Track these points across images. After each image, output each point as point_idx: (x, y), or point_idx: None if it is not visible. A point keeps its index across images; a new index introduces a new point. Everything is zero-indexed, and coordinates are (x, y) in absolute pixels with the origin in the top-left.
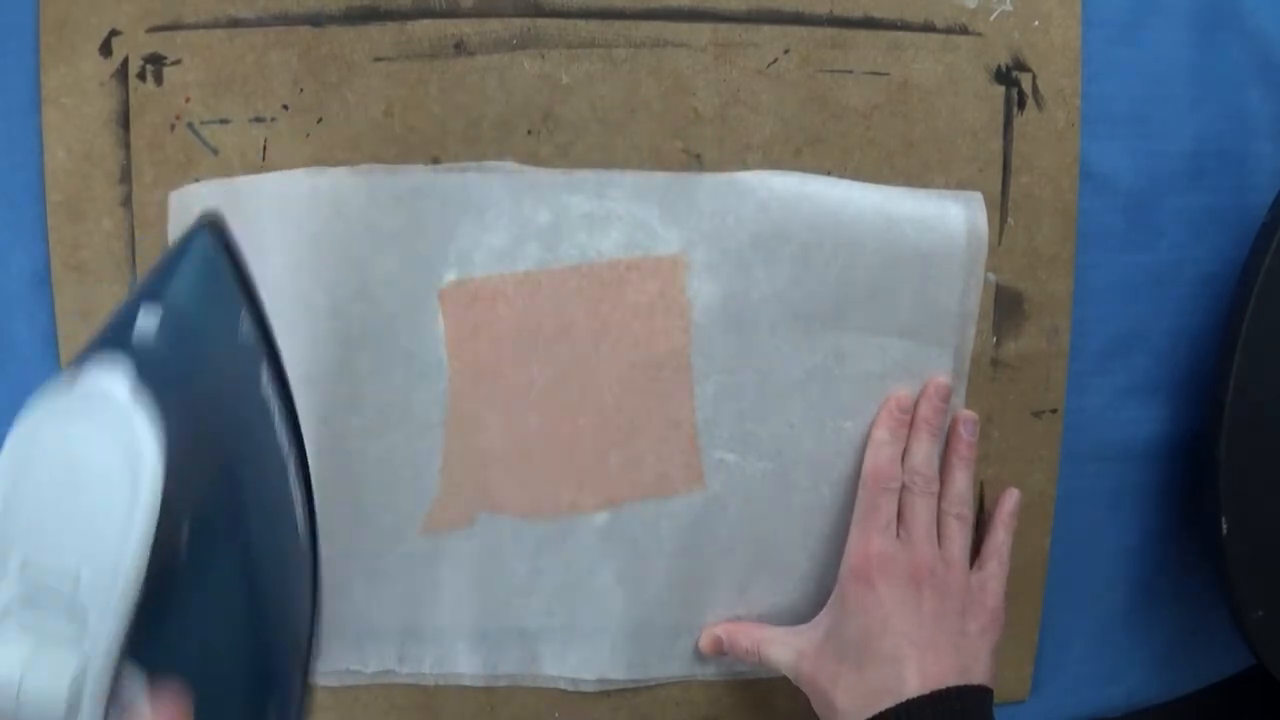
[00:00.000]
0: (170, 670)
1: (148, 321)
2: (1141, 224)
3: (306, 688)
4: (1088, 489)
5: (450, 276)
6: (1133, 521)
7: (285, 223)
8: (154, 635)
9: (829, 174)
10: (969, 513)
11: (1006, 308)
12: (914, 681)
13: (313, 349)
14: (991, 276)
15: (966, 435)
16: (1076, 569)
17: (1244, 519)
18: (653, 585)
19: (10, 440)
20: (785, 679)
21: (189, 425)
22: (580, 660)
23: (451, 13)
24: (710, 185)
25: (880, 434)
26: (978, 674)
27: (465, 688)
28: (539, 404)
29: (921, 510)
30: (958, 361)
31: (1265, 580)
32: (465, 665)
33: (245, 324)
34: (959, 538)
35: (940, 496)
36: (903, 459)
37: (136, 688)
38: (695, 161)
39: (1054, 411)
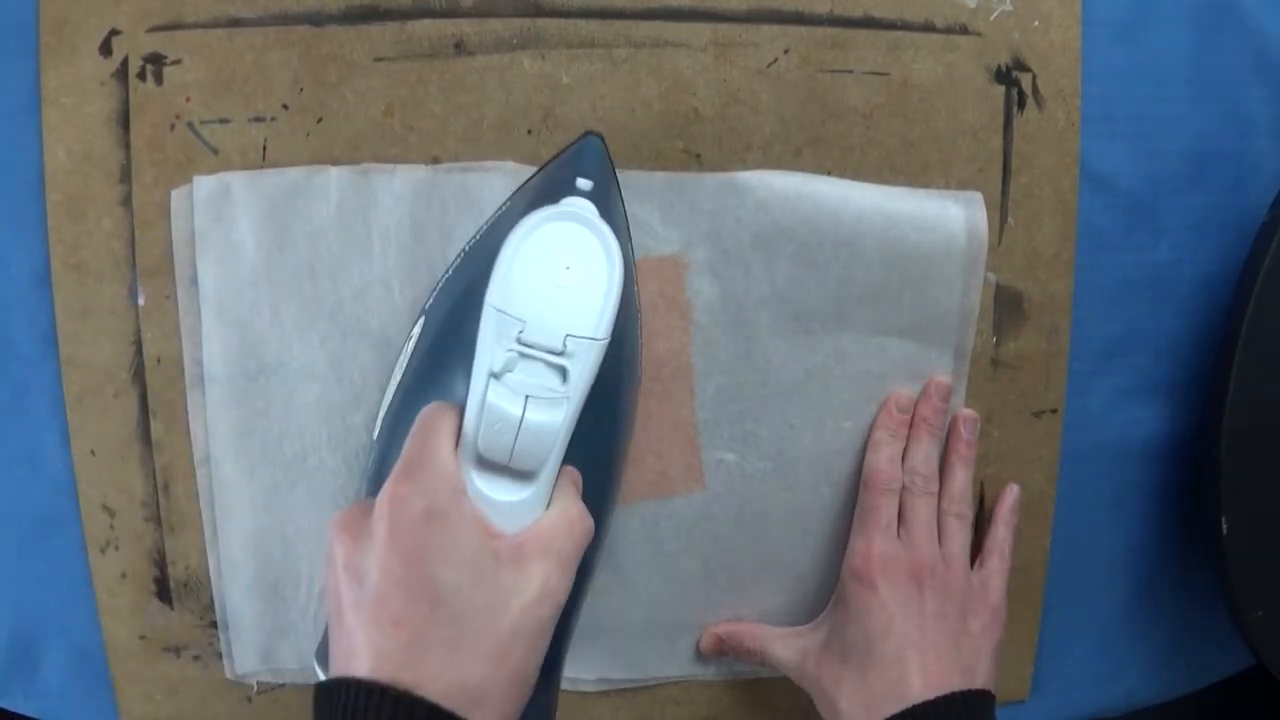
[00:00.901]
0: (578, 453)
1: (585, 184)
2: (1141, 224)
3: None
4: (1088, 489)
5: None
6: (1133, 521)
7: (285, 221)
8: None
9: (829, 174)
10: (969, 511)
11: (1006, 308)
12: (917, 684)
13: (313, 347)
14: (991, 276)
15: (966, 434)
16: (1076, 569)
17: (1244, 519)
18: (652, 585)
19: (512, 236)
20: (785, 679)
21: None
22: (580, 660)
23: (451, 13)
24: (710, 185)
25: (880, 435)
26: (980, 674)
27: None
28: None
29: (922, 510)
30: (958, 361)
31: (1265, 580)
32: None
33: (621, 204)
34: (959, 536)
35: (940, 495)
36: (903, 459)
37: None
38: (695, 161)
39: (1054, 411)
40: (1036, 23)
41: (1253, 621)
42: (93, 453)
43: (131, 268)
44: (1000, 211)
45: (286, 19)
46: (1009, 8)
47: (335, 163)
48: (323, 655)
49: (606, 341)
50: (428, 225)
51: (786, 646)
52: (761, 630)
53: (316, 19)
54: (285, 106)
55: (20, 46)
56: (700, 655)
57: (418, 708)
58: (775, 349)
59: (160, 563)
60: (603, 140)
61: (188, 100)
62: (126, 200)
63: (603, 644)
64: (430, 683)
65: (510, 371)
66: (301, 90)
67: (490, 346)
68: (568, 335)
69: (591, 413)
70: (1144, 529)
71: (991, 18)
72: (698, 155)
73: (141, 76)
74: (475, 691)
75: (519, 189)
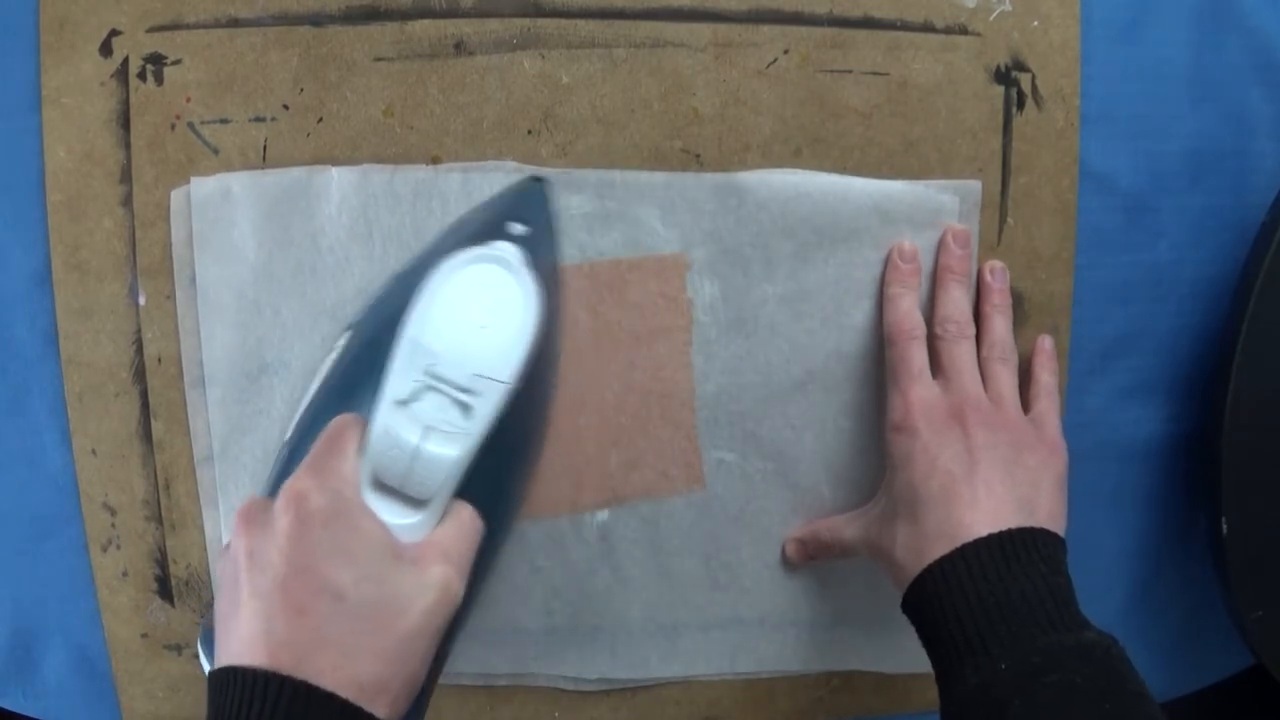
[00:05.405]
0: (471, 487)
1: (517, 229)
2: (1141, 224)
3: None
4: (1088, 489)
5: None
6: (1133, 521)
7: (286, 220)
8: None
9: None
10: (1012, 357)
11: None
12: (967, 519)
13: (314, 346)
14: None
15: (997, 284)
16: (1077, 568)
17: (1244, 519)
18: (653, 585)
19: (437, 271)
20: (785, 679)
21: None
22: (580, 660)
23: (451, 13)
24: (710, 185)
25: (892, 289)
26: (1042, 508)
27: (465, 687)
28: None
29: (961, 354)
30: None
31: (1265, 580)
32: (465, 665)
33: (554, 252)
34: (1006, 379)
35: (980, 344)
36: (933, 310)
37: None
38: (695, 161)
39: None
40: (1036, 23)
41: (1253, 621)
42: (94, 452)
43: (132, 267)
44: (1000, 211)
45: (286, 19)
46: (1008, 8)
47: (335, 163)
48: (208, 644)
49: (514, 386)
50: (429, 224)
51: (855, 526)
52: (834, 521)
53: (316, 19)
54: (285, 106)
55: (20, 46)
56: (788, 564)
57: (316, 697)
58: (775, 349)
59: (161, 561)
60: (544, 186)
61: (188, 100)
62: (127, 200)
63: (603, 644)
64: (330, 674)
65: (416, 401)
66: (301, 90)
67: (400, 374)
68: (476, 374)
69: (492, 447)
70: (1144, 529)
71: (991, 18)
72: (697, 155)
73: (142, 76)
74: (370, 689)
75: (455, 222)
